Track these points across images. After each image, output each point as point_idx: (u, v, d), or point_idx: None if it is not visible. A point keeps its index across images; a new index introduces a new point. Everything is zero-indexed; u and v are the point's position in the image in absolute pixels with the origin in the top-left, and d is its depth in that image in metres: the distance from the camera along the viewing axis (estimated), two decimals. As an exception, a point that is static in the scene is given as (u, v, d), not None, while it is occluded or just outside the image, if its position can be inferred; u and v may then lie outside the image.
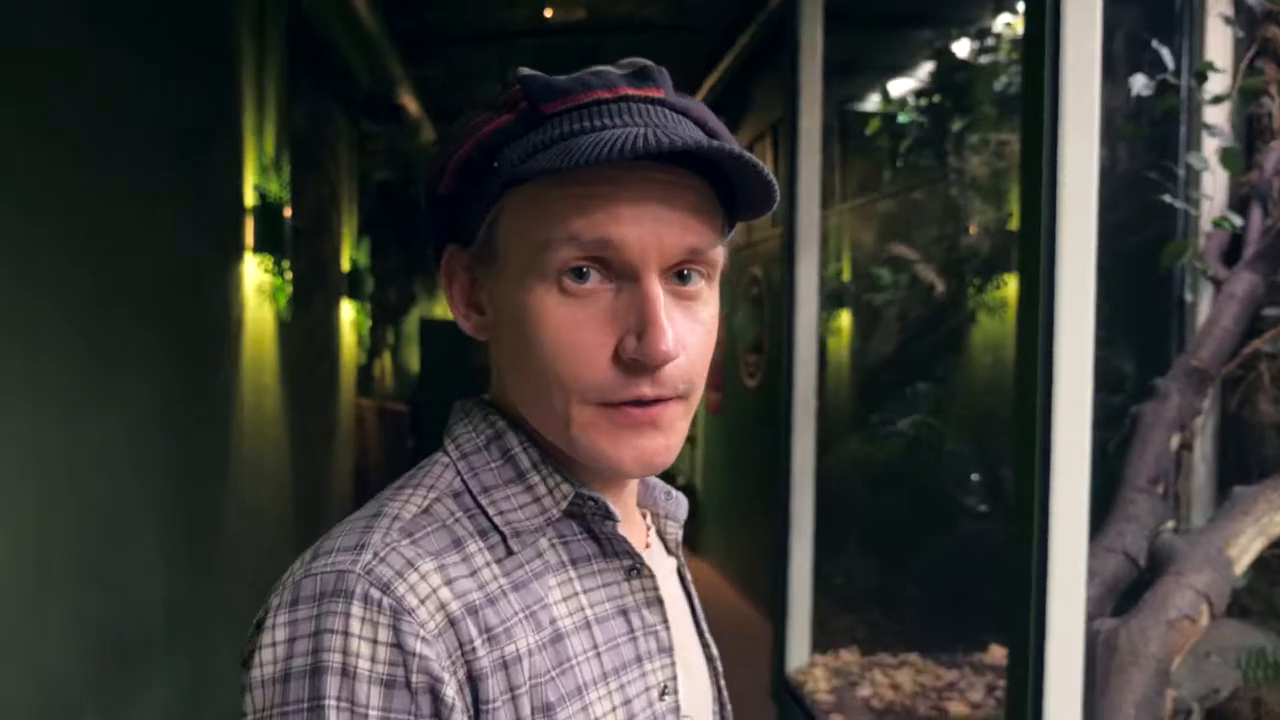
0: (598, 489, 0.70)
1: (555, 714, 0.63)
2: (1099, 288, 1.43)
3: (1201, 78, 1.86)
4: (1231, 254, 2.38)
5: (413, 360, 8.40)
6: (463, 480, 0.68)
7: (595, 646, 0.67)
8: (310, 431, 4.73)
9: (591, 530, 0.70)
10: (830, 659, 2.67)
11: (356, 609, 0.59)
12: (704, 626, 0.84)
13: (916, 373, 4.01)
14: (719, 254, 0.68)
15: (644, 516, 0.81)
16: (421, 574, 0.61)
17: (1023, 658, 1.46)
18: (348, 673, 0.58)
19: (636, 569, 0.71)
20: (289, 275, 4.07)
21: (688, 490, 7.54)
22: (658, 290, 0.63)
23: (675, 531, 0.83)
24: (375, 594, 0.59)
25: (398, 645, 0.58)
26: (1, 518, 1.86)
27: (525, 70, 0.66)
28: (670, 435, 0.67)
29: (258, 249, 3.71)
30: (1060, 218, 1.43)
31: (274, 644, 0.60)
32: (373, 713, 0.58)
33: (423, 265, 7.91)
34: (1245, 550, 1.69)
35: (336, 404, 5.35)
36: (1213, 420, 2.33)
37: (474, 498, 0.68)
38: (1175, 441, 1.99)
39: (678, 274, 0.65)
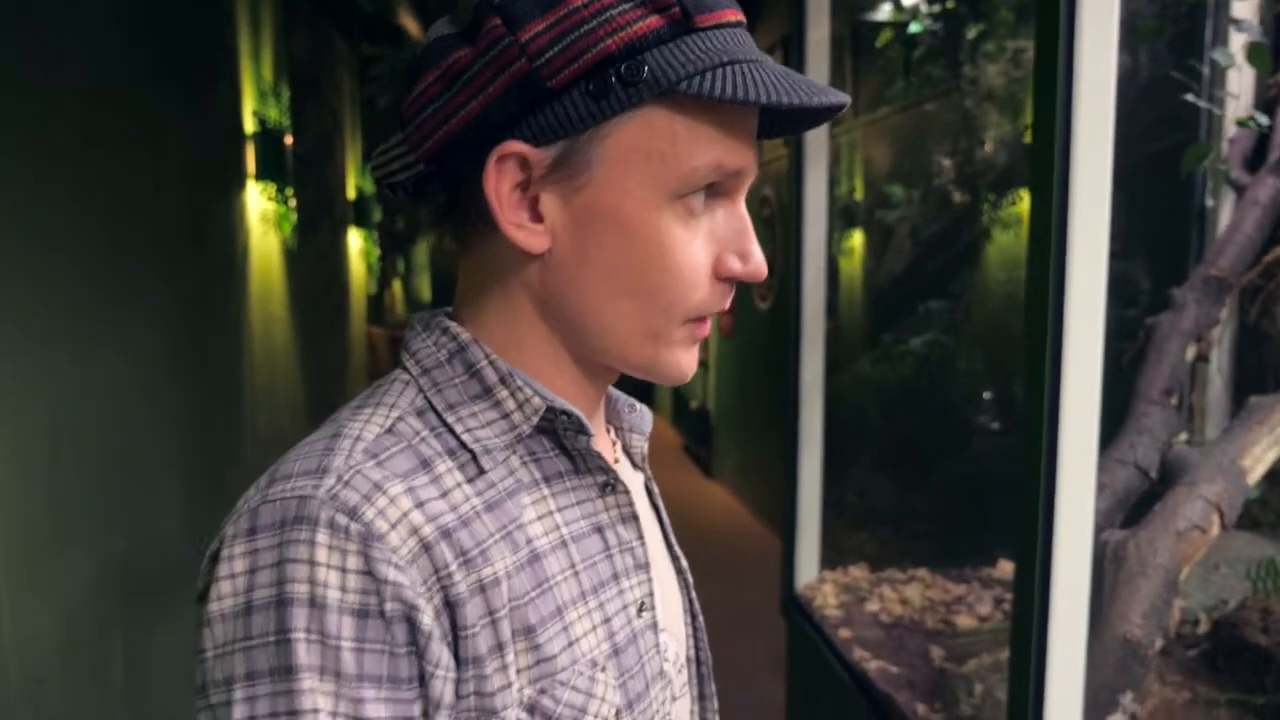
0: (565, 402, 0.67)
1: (536, 636, 0.61)
2: (1116, 197, 1.38)
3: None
4: (1255, 158, 2.30)
5: (424, 288, 8.38)
6: (425, 398, 0.65)
7: (573, 565, 0.66)
8: (322, 361, 4.74)
9: (563, 446, 0.68)
10: (839, 575, 2.68)
11: (322, 536, 0.56)
12: (673, 540, 0.82)
13: (930, 290, 3.96)
14: None
15: (609, 431, 0.79)
16: (390, 497, 0.58)
17: (1030, 568, 1.45)
18: (316, 603, 0.55)
19: (610, 485, 0.69)
20: (293, 203, 4.03)
21: (701, 414, 7.56)
22: (747, 213, 0.66)
23: (640, 445, 0.81)
24: (342, 520, 0.56)
25: (368, 573, 0.56)
26: (20, 460, 1.87)
27: None
28: None
29: (260, 176, 3.66)
30: (1076, 122, 1.37)
31: (233, 575, 0.57)
32: (345, 644, 0.55)
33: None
34: (1259, 460, 1.67)
35: (348, 333, 5.35)
36: (1230, 331, 2.29)
37: (439, 415, 0.64)
38: (1191, 352, 1.95)
39: None
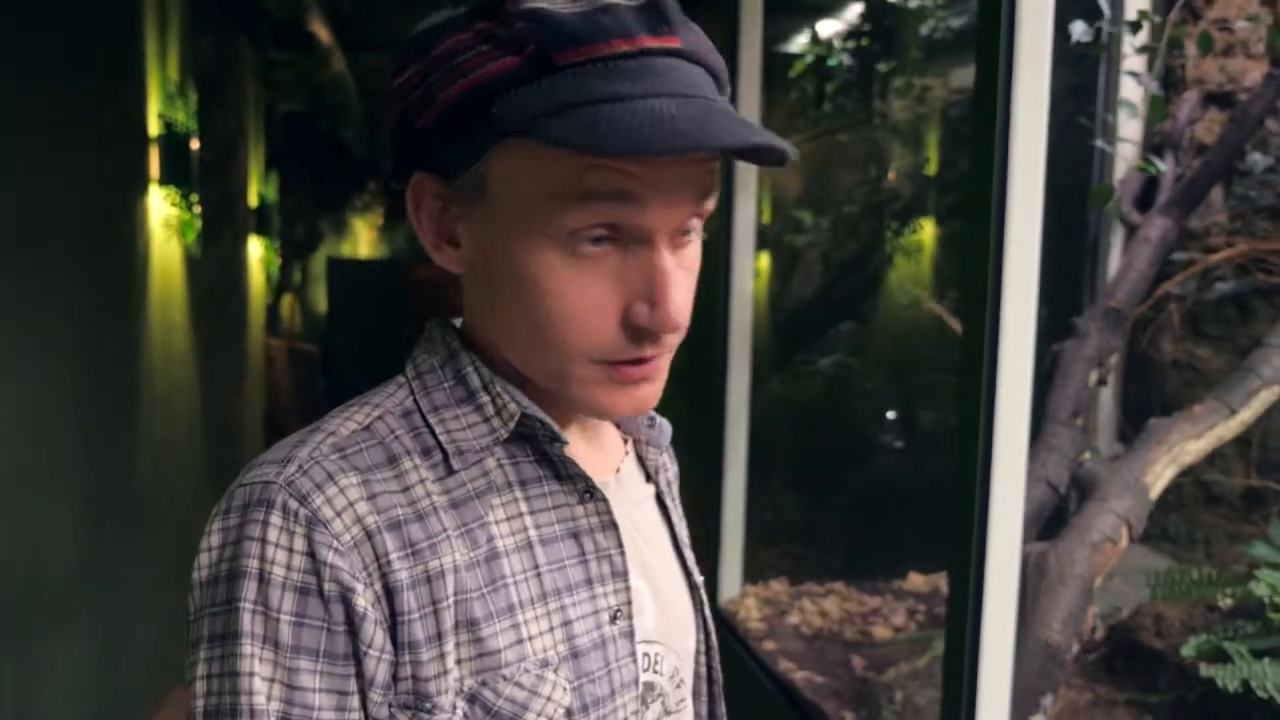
0: (553, 411, 0.70)
1: (480, 629, 0.64)
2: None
3: (1136, 26, 1.94)
4: (1143, 199, 2.50)
5: (320, 300, 8.17)
6: (414, 399, 0.69)
7: (535, 567, 0.68)
8: (221, 371, 4.58)
9: (545, 452, 0.70)
10: (761, 589, 2.76)
11: (275, 518, 0.61)
12: (687, 554, 0.83)
13: (837, 313, 4.11)
14: (713, 203, 0.66)
15: (625, 441, 0.81)
16: (340, 487, 0.63)
17: (964, 579, 1.54)
18: (263, 578, 0.60)
19: (589, 492, 0.71)
20: (198, 209, 3.90)
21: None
22: (669, 261, 0.62)
23: (655, 457, 0.82)
24: (293, 504, 0.61)
25: (310, 554, 0.61)
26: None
27: (530, 2, 0.59)
28: (658, 381, 0.68)
29: (164, 181, 3.53)
30: (1012, 160, 1.48)
31: (209, 549, 0.63)
32: (284, 617, 0.60)
33: (331, 202, 7.66)
34: (1159, 477, 1.82)
35: (246, 344, 5.18)
36: (1119, 358, 2.47)
37: (423, 416, 0.68)
38: (1094, 377, 2.11)
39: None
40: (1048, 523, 1.96)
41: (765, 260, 5.01)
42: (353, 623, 0.61)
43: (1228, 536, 2.62)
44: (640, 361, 0.65)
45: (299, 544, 0.61)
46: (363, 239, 8.96)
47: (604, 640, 0.70)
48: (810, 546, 3.13)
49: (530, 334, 0.65)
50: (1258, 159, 2.37)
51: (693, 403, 4.27)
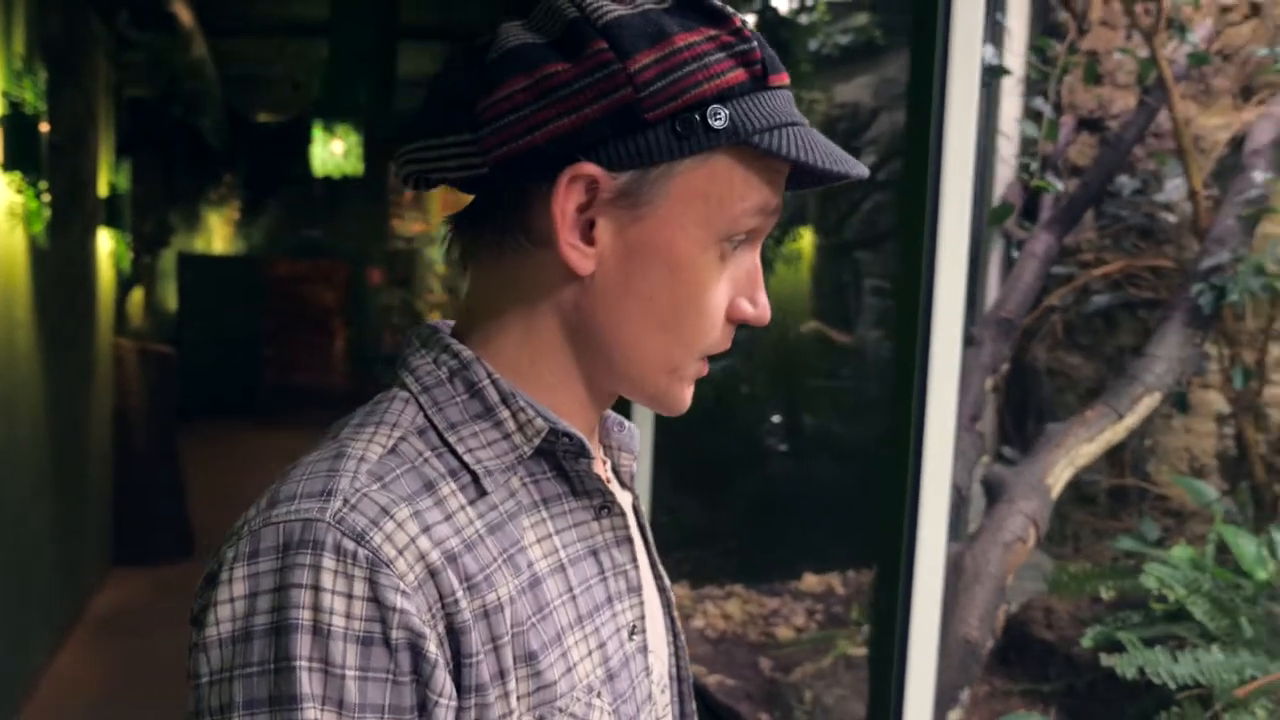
0: (567, 424, 0.68)
1: (538, 662, 0.61)
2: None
3: (1040, 51, 2.05)
4: (1025, 214, 2.66)
5: (169, 298, 7.69)
6: (426, 416, 0.64)
7: (570, 589, 0.66)
8: (67, 372, 4.24)
9: (561, 468, 0.68)
10: (663, 593, 2.77)
11: (328, 561, 0.55)
12: (656, 559, 0.83)
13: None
14: None
15: (600, 450, 0.79)
16: (398, 521, 0.57)
17: (893, 578, 1.59)
18: (320, 631, 0.54)
19: (607, 507, 0.70)
20: (46, 198, 3.59)
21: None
22: (759, 262, 0.68)
23: (630, 464, 0.80)
24: (349, 545, 0.55)
25: (375, 600, 0.55)
26: None
27: (750, 25, 0.64)
28: None
29: (9, 166, 3.24)
30: (944, 173, 1.54)
31: (232, 600, 0.55)
32: (350, 674, 0.54)
33: (184, 195, 7.21)
34: (1059, 479, 1.93)
35: (94, 343, 4.82)
36: (1007, 366, 2.62)
37: (440, 435, 0.64)
38: (989, 384, 2.22)
39: None
40: (951, 524, 2.05)
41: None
42: (420, 672, 0.56)
43: (1095, 533, 2.81)
44: (707, 360, 0.68)
45: (359, 589, 0.55)
46: (218, 234, 8.49)
47: (627, 658, 0.69)
48: (707, 549, 3.17)
49: (667, 331, 0.65)
50: (1125, 181, 2.56)
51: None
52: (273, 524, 0.56)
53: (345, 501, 0.57)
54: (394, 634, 0.55)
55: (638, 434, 0.80)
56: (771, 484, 3.59)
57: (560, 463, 0.67)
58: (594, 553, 0.68)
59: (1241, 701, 1.60)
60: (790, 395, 4.04)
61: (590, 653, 0.65)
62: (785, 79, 0.64)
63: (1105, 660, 1.74)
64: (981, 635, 1.70)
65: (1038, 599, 2.24)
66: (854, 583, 2.93)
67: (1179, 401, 2.16)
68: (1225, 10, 2.54)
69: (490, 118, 0.62)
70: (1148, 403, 2.02)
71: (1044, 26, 2.72)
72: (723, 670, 2.34)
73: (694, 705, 0.85)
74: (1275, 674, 1.62)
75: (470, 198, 0.69)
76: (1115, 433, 2.00)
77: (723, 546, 3.19)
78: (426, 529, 0.58)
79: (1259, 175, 2.14)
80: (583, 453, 0.66)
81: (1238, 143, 2.34)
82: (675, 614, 0.82)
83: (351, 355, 10.30)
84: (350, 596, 0.54)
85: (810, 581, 2.88)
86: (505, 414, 0.64)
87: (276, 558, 0.55)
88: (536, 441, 0.64)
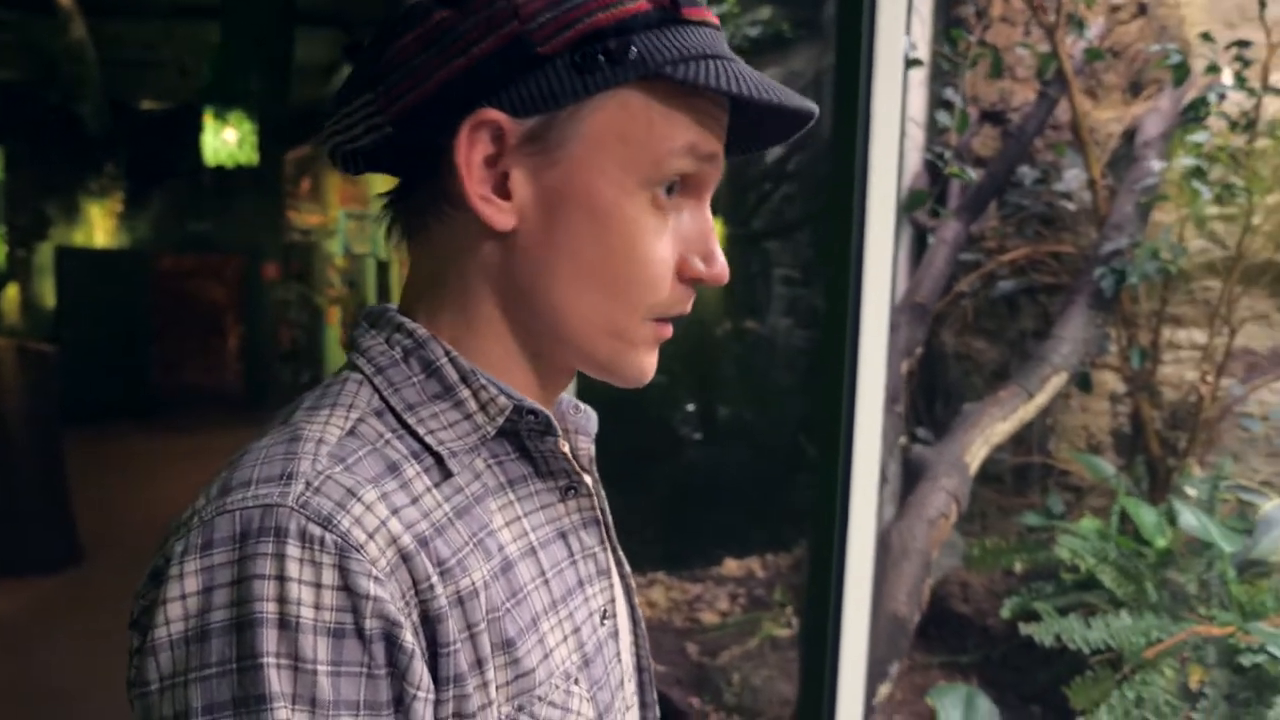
0: (532, 401, 0.65)
1: (516, 649, 0.58)
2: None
3: (954, 42, 2.11)
4: (933, 204, 2.75)
5: (47, 294, 7.27)
6: (382, 398, 0.61)
7: (543, 573, 0.63)
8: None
9: (525, 448, 0.65)
10: (587, 584, 2.77)
11: (293, 549, 0.51)
12: (616, 542, 0.79)
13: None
14: None
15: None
16: (366, 504, 0.54)
17: (826, 559, 1.62)
18: (287, 624, 0.50)
19: (574, 488, 0.67)
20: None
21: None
22: (711, 216, 0.63)
23: (587, 446, 0.77)
24: (315, 530, 0.51)
25: (346, 588, 0.51)
26: None
27: None
28: None
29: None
30: (871, 161, 1.58)
31: (184, 596, 0.51)
32: (322, 669, 0.50)
33: (62, 185, 6.82)
34: (976, 457, 2.00)
35: (-33, 343, 4.52)
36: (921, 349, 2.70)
37: (397, 416, 0.60)
38: (905, 367, 2.28)
39: None
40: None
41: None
42: (397, 663, 0.52)
43: (1000, 510, 2.93)
44: (665, 320, 0.63)
45: (329, 577, 0.51)
46: (100, 227, 8.05)
47: (600, 644, 0.67)
48: (628, 537, 3.18)
49: (601, 289, 0.61)
50: (1026, 171, 2.67)
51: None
52: (227, 512, 0.52)
53: (308, 484, 0.53)
54: (368, 624, 0.51)
55: (594, 416, 0.77)
56: (688, 472, 3.62)
57: (524, 443, 0.64)
58: (562, 535, 0.66)
59: (1150, 662, 1.69)
60: (704, 384, 4.08)
61: (565, 638, 0.63)
62: (705, 14, 0.60)
63: (1024, 629, 1.81)
64: (910, 610, 1.75)
65: (953, 574, 2.32)
66: (773, 566, 2.99)
67: (1082, 381, 2.27)
68: (1115, 9, 2.67)
69: (384, 73, 0.60)
70: (1055, 382, 2.11)
71: (947, 20, 2.81)
72: (651, 656, 2.35)
73: (654, 695, 0.83)
74: (1179, 635, 1.72)
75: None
76: (1027, 411, 2.08)
77: (643, 535, 3.20)
78: (395, 511, 0.55)
79: (1152, 165, 2.26)
80: (548, 430, 0.63)
81: (1129, 135, 2.47)
82: (635, 600, 0.80)
83: (245, 353, 9.92)
84: (319, 586, 0.51)
85: (731, 566, 2.92)
86: (466, 393, 0.61)
87: (233, 548, 0.51)
88: (500, 420, 0.61)
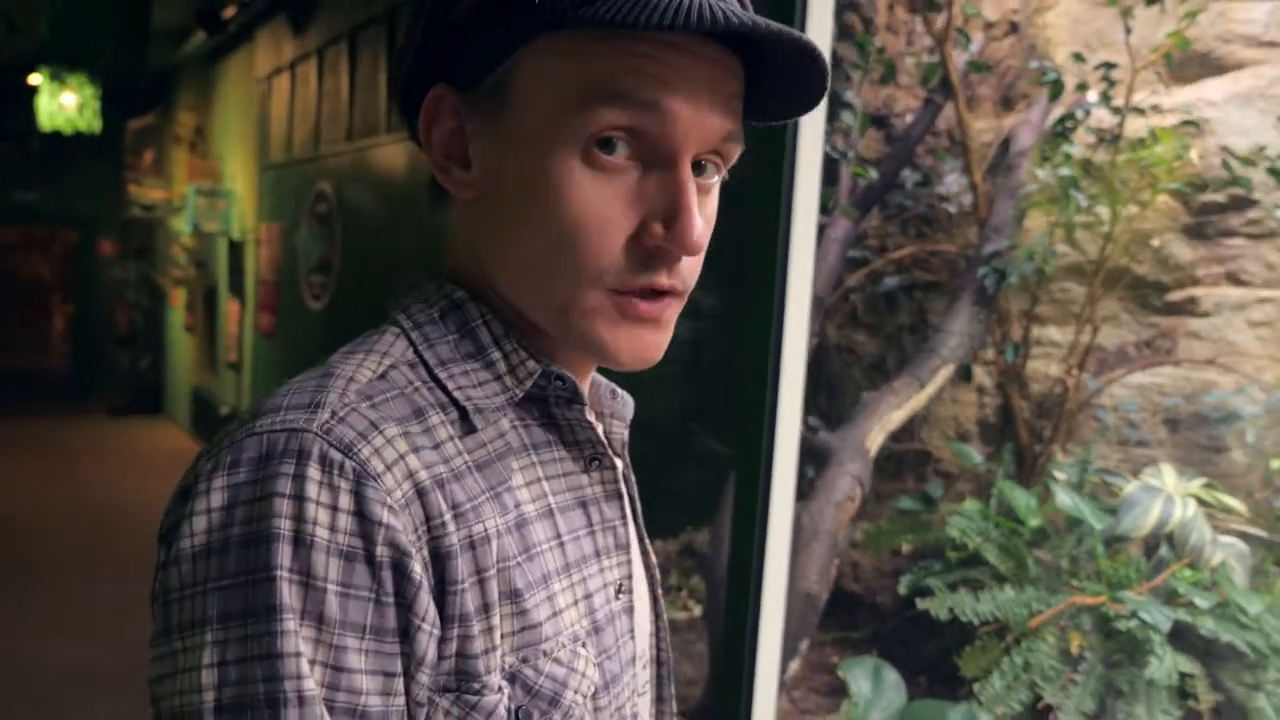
0: (560, 367, 0.66)
1: (523, 600, 0.59)
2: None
3: (862, 47, 2.21)
4: (824, 202, 2.87)
5: None
6: (416, 351, 0.63)
7: (558, 536, 0.65)
8: None
9: (552, 416, 0.67)
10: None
11: (313, 471, 0.53)
12: (644, 532, 0.82)
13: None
14: (739, 147, 0.65)
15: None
16: (387, 438, 0.56)
17: (749, 539, 1.68)
18: (301, 541, 0.52)
19: (598, 459, 0.69)
20: None
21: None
22: (690, 176, 0.60)
23: (621, 431, 0.80)
24: (336, 456, 0.53)
25: (360, 514, 0.53)
26: None
27: None
28: (666, 332, 0.65)
29: None
30: (799, 160, 1.64)
31: (208, 510, 0.53)
32: (331, 587, 0.52)
33: None
34: (874, 443, 2.12)
35: None
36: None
37: (429, 371, 0.62)
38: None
39: (696, 164, 0.62)
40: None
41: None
42: (404, 593, 0.54)
43: (876, 495, 3.09)
44: (652, 296, 0.62)
45: (345, 501, 0.52)
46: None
47: (613, 615, 0.68)
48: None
49: (539, 256, 0.61)
50: (907, 174, 2.82)
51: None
52: (256, 434, 0.54)
53: (333, 414, 0.55)
54: (379, 550, 0.53)
55: (631, 403, 0.79)
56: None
57: (551, 410, 0.66)
58: (583, 504, 0.68)
59: (1034, 631, 1.84)
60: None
61: (576, 602, 0.64)
62: None
63: (921, 604, 1.93)
64: (820, 588, 1.84)
65: (843, 555, 2.44)
66: (663, 552, 3.05)
67: (964, 372, 2.43)
68: (989, 26, 2.86)
69: (397, 64, 0.67)
70: (944, 373, 2.26)
71: (838, 29, 2.93)
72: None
73: (672, 690, 0.83)
74: (1058, 606, 1.87)
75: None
76: (919, 400, 2.22)
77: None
78: (416, 450, 0.56)
79: (1026, 173, 2.45)
80: (575, 398, 0.65)
81: (1004, 144, 2.65)
82: (659, 592, 0.81)
83: (74, 334, 9.21)
84: (335, 509, 0.52)
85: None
86: (497, 355, 0.64)
87: (258, 467, 0.53)
88: (528, 384, 0.63)
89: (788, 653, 1.84)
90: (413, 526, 0.54)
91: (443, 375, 0.62)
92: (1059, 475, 2.17)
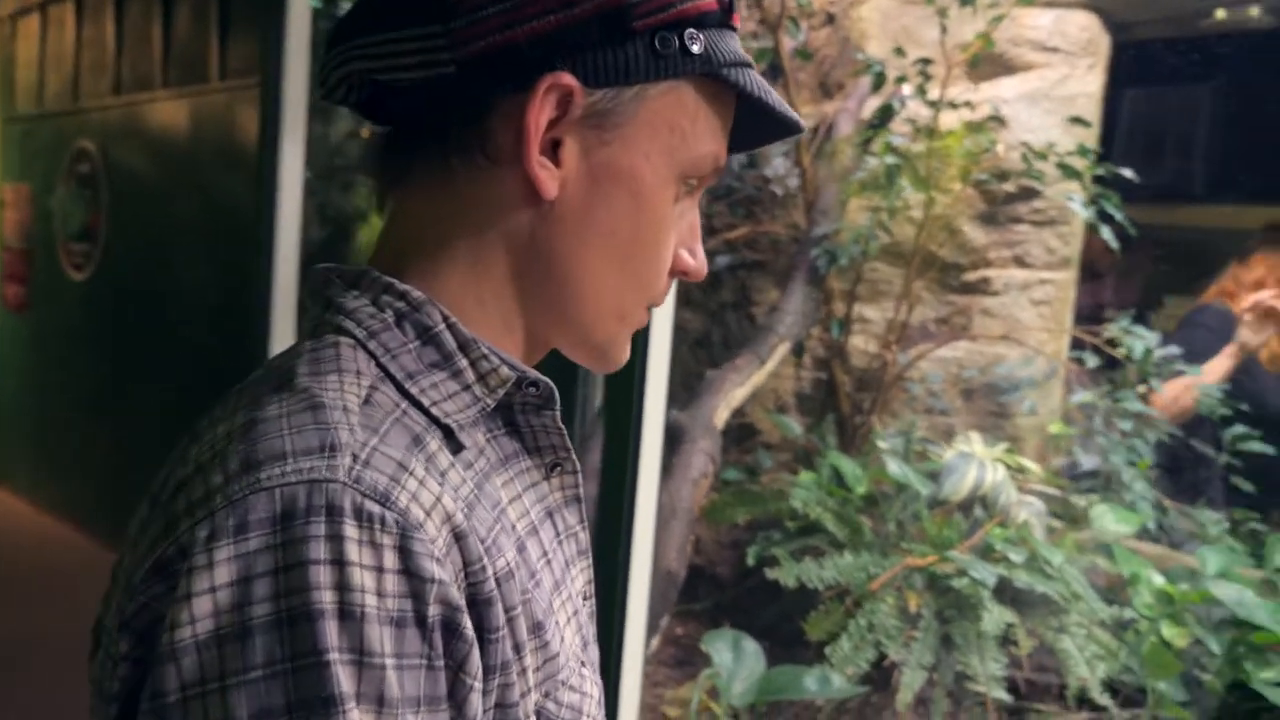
0: (535, 372, 0.64)
1: (545, 632, 0.56)
2: None
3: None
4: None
5: None
6: (379, 364, 0.56)
7: (545, 553, 0.62)
8: None
9: (514, 423, 0.63)
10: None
11: (350, 529, 0.46)
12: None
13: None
14: None
15: None
16: (418, 479, 0.50)
17: (616, 518, 1.68)
18: (349, 614, 0.45)
19: (558, 464, 0.66)
20: None
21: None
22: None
23: None
24: (373, 508, 0.47)
25: (407, 572, 0.47)
26: None
27: None
28: None
29: None
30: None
31: (213, 590, 0.45)
32: (388, 662, 0.46)
33: None
34: (721, 419, 2.16)
35: None
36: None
37: (398, 386, 0.56)
38: (644, 336, 2.40)
39: None
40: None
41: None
42: (455, 654, 0.49)
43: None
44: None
45: (390, 559, 0.46)
46: None
47: (582, 624, 0.66)
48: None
49: (624, 270, 0.61)
50: (736, 157, 2.91)
51: (94, 378, 3.77)
52: (264, 489, 0.46)
53: (354, 457, 0.48)
54: (430, 611, 0.47)
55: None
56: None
57: (515, 417, 0.63)
58: (550, 515, 0.65)
59: (874, 593, 1.96)
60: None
61: (569, 619, 0.62)
62: (737, 20, 0.63)
63: (770, 574, 2.01)
64: (679, 565, 1.87)
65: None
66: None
67: (798, 349, 2.54)
68: (810, 16, 2.98)
69: (468, 7, 0.55)
70: (781, 350, 2.35)
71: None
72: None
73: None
74: (894, 569, 2.01)
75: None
76: (760, 376, 2.29)
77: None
78: (441, 486, 0.51)
79: (847, 159, 2.57)
80: (547, 404, 0.62)
81: (827, 130, 2.77)
82: (590, 573, 0.81)
83: None
84: (380, 570, 0.46)
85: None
86: (464, 362, 0.58)
87: (274, 530, 0.45)
88: (500, 393, 0.59)
89: (650, 630, 1.86)
90: (453, 576, 0.49)
91: (414, 391, 0.56)
92: (883, 445, 2.32)
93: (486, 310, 0.61)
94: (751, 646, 1.80)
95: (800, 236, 2.57)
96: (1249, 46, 3.11)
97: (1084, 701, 1.93)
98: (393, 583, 0.46)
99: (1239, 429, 2.30)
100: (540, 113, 0.56)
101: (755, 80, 0.60)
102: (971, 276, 2.92)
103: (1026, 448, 2.78)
